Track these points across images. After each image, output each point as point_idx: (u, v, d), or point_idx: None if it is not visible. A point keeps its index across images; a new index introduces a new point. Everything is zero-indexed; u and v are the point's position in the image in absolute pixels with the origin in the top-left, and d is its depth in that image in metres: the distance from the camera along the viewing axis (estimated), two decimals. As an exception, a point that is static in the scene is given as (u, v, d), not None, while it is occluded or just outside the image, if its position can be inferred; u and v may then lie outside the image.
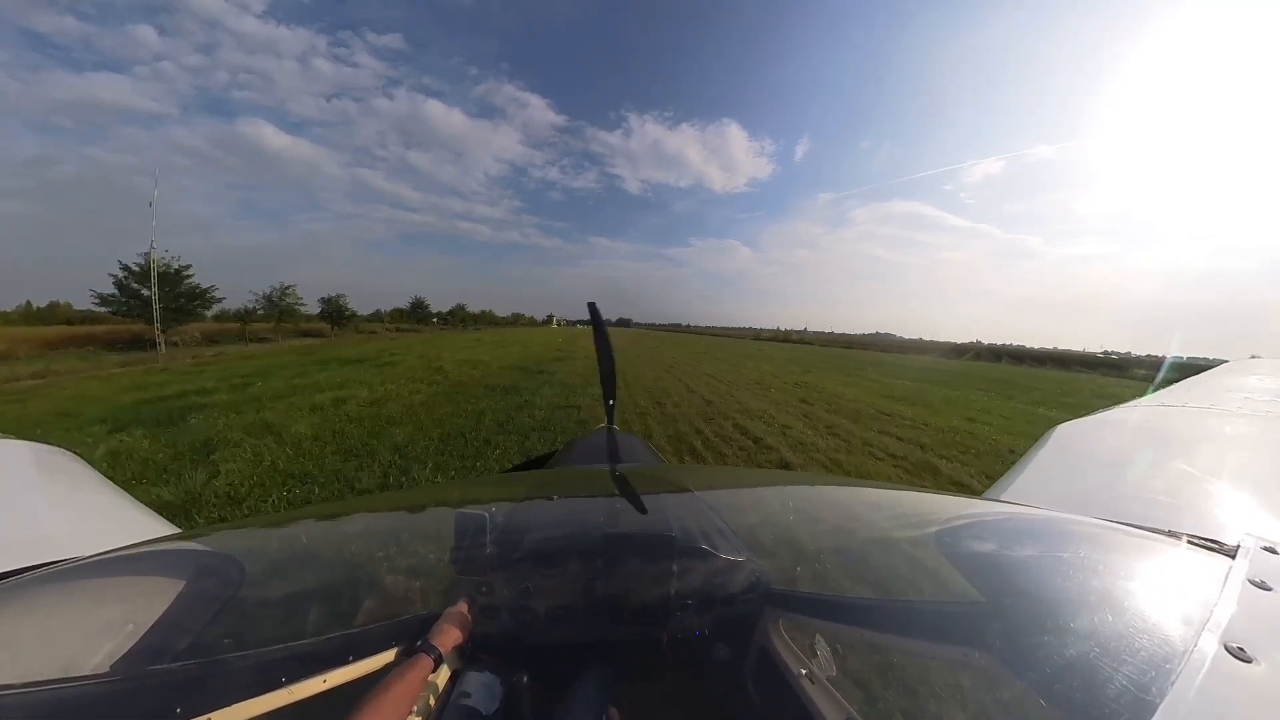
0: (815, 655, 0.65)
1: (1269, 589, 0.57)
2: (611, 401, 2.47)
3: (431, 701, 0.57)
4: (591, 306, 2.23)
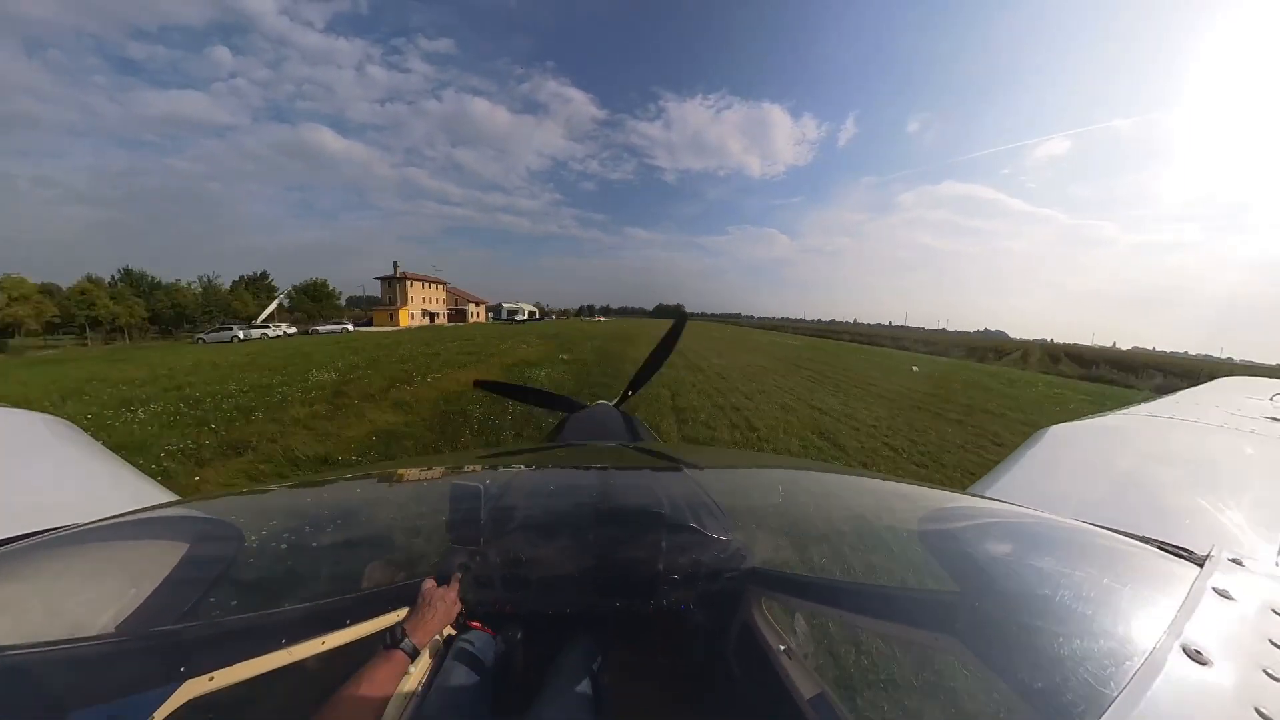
0: (794, 633, 0.68)
1: (1231, 599, 0.60)
2: (631, 392, 2.51)
3: (419, 679, 0.59)
4: (680, 309, 2.33)
